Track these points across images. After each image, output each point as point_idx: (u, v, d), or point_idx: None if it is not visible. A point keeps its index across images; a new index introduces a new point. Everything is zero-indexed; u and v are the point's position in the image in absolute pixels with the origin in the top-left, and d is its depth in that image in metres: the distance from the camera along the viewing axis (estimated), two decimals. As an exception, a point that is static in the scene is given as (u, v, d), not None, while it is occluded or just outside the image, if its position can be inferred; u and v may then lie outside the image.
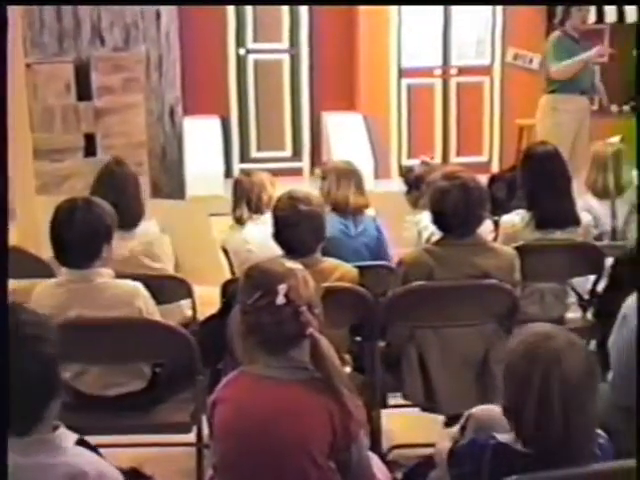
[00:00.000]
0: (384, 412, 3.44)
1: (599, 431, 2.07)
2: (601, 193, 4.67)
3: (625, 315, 2.66)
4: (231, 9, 8.16)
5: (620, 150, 4.79)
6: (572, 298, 4.10)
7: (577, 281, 4.12)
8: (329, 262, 3.33)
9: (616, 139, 5.00)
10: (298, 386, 2.18)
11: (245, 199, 4.43)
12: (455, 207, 3.28)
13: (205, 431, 2.70)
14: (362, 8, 8.00)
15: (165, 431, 3.26)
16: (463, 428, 2.37)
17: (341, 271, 3.32)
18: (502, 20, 8.28)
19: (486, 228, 4.14)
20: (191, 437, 3.17)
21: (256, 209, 4.41)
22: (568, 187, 4.00)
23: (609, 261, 3.85)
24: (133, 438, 3.37)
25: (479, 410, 2.39)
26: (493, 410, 2.21)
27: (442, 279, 3.29)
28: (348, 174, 4.35)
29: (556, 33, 6.59)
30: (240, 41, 8.28)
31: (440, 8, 8.17)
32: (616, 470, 1.99)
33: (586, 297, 4.03)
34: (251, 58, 8.33)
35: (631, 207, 4.58)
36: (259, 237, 4.16)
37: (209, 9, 7.90)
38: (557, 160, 4.01)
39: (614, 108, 8.99)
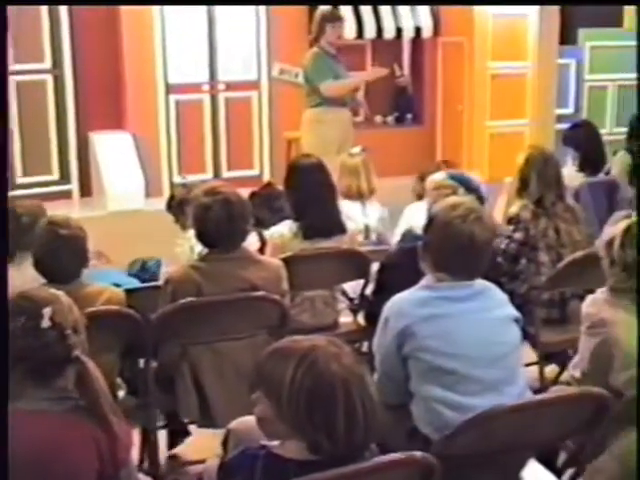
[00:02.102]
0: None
1: None
2: (354, 196, 4.91)
3: (387, 318, 2.74)
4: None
5: (366, 159, 5.08)
6: (342, 304, 4.22)
7: (351, 286, 4.25)
8: (94, 286, 3.25)
9: (357, 149, 5.27)
10: (64, 417, 2.13)
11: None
12: (218, 222, 3.28)
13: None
14: (125, 23, 7.85)
15: None
16: (224, 443, 2.36)
17: (107, 294, 3.25)
18: (266, 35, 8.39)
19: (251, 241, 4.19)
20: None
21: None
22: (333, 197, 4.12)
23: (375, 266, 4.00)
24: None
25: (237, 423, 2.41)
26: (249, 421, 2.21)
27: (210, 294, 3.28)
28: None
29: (313, 50, 6.75)
30: (-3, 61, 7.91)
31: (204, 23, 8.16)
32: (387, 464, 2.04)
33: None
34: (12, 80, 7.99)
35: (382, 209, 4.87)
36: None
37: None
38: (321, 171, 4.12)
39: (378, 119, 9.36)
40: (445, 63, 8.92)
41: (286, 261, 3.61)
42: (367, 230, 4.88)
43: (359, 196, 4.95)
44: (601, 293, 2.92)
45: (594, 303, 2.91)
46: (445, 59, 8.91)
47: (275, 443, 2.04)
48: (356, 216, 4.81)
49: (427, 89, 9.24)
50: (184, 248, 4.37)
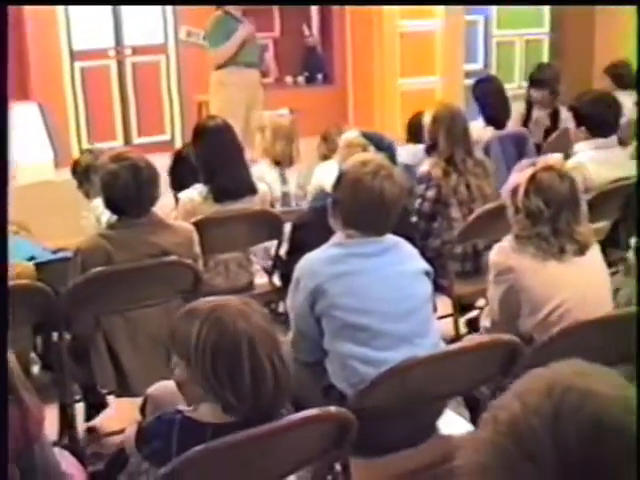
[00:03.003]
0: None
1: None
2: (286, 162, 4.84)
3: (298, 278, 2.73)
4: None
5: (294, 122, 4.99)
6: (257, 265, 4.21)
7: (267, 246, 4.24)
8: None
9: (285, 110, 5.19)
10: None
11: None
12: (126, 188, 3.22)
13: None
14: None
15: None
16: (143, 409, 2.34)
17: (17, 270, 3.18)
18: (172, -3, 8.26)
19: (167, 205, 4.14)
20: None
21: None
22: (241, 158, 4.08)
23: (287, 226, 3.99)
24: None
25: (154, 389, 2.39)
26: (167, 386, 2.20)
27: (121, 262, 3.23)
28: None
29: (217, 13, 6.69)
30: None
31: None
32: (302, 420, 2.05)
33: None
34: None
35: (304, 173, 4.80)
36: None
37: None
38: (228, 133, 4.07)
39: (289, 80, 9.31)
40: (354, 22, 8.90)
41: (197, 225, 3.57)
42: (286, 197, 4.80)
43: (290, 163, 4.87)
44: (507, 241, 2.96)
45: (500, 251, 2.95)
46: (354, 18, 8.89)
47: (191, 407, 2.04)
48: (273, 183, 4.74)
49: (337, 48, 9.23)
50: (89, 219, 4.28)
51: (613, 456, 0.81)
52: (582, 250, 2.87)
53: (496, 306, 2.96)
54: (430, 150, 4.32)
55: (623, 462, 0.81)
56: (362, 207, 2.68)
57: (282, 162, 4.83)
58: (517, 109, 6.14)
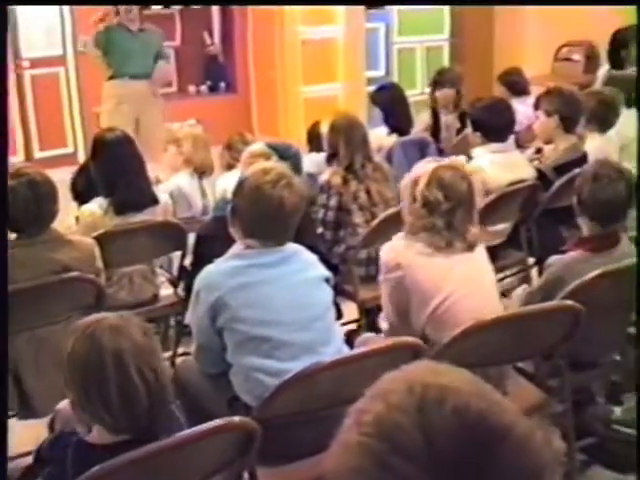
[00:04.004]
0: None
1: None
2: (208, 171, 4.86)
3: (198, 291, 2.72)
4: None
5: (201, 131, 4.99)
6: (162, 277, 4.18)
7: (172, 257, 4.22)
8: None
9: (193, 120, 5.18)
10: None
11: None
12: (26, 205, 3.17)
13: None
14: None
15: None
16: (51, 425, 2.31)
17: None
18: (70, 8, 8.11)
19: (68, 220, 4.08)
20: None
21: None
22: (142, 169, 4.04)
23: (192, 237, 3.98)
24: None
25: (64, 405, 2.35)
26: None
27: (23, 280, 3.16)
28: None
29: (106, 24, 6.66)
30: None
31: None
32: (205, 432, 2.04)
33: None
34: None
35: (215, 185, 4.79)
36: None
37: None
38: (127, 145, 4.03)
39: (192, 89, 9.27)
40: (255, 30, 8.92)
41: (99, 239, 3.53)
42: (207, 209, 4.73)
43: (211, 172, 4.88)
44: (396, 239, 2.99)
45: (389, 250, 2.98)
46: (255, 25, 8.91)
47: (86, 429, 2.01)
48: (194, 195, 4.72)
49: (239, 56, 9.23)
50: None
51: (478, 444, 0.84)
52: (470, 249, 2.92)
53: (388, 305, 3.00)
54: (330, 159, 4.36)
55: (489, 450, 0.84)
56: (261, 216, 2.68)
57: (205, 171, 4.82)
58: (423, 119, 6.21)
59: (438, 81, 6.25)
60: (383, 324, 3.09)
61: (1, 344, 1.87)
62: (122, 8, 6.60)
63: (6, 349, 1.85)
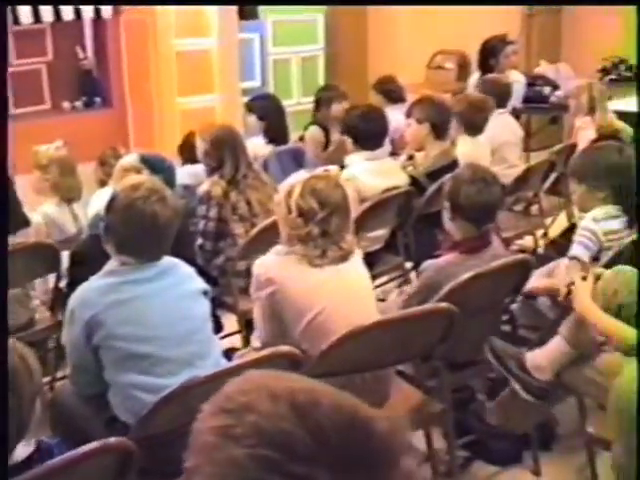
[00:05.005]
0: None
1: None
2: (73, 196, 4.65)
3: (72, 310, 2.68)
4: None
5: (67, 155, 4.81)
6: (36, 300, 4.07)
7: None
8: None
9: (60, 142, 4.97)
10: None
11: None
12: None
13: None
14: None
15: None
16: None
17: None
18: None
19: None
20: None
21: None
22: (12, 191, 3.92)
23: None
24: None
25: None
26: None
27: None
28: None
29: None
30: None
31: None
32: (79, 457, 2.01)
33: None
34: None
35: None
36: None
37: None
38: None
39: (66, 105, 9.06)
40: (129, 42, 8.79)
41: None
42: (80, 234, 4.53)
43: (79, 196, 4.68)
44: (270, 254, 2.97)
45: (261, 265, 2.94)
46: (129, 38, 8.78)
47: None
48: (67, 224, 4.56)
49: (113, 70, 9.07)
50: None
51: (362, 434, 0.87)
52: (344, 257, 2.92)
53: (262, 324, 2.96)
54: (213, 171, 4.31)
55: (369, 437, 0.87)
56: (135, 233, 2.65)
57: (73, 198, 4.67)
58: (315, 137, 6.17)
59: (325, 98, 6.26)
60: (255, 342, 3.05)
61: (1, 344, 1.83)
62: None
63: (6, 349, 1.81)
